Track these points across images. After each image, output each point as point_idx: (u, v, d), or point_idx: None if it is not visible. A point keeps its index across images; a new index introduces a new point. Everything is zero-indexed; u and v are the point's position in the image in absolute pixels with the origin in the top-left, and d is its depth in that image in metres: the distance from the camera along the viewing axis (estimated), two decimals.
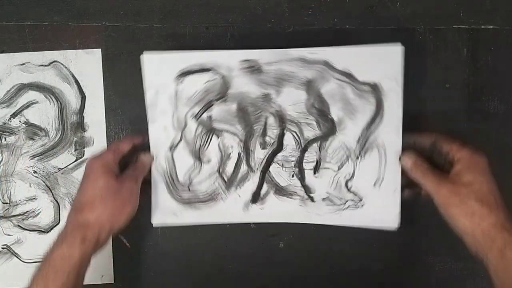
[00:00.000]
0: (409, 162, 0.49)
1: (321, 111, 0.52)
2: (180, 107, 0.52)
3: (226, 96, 0.52)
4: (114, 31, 0.55)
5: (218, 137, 0.52)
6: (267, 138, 0.53)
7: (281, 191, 0.53)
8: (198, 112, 0.52)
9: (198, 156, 0.53)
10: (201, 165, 0.53)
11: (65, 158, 0.56)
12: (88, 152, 0.56)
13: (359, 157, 0.52)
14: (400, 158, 0.50)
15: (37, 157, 0.56)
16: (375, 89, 0.50)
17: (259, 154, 0.53)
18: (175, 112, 0.52)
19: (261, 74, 0.51)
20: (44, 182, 0.56)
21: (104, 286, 0.56)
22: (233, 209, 0.53)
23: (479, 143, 0.55)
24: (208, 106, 0.52)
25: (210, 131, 0.52)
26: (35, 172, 0.56)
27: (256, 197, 0.53)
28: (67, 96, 0.56)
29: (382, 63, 0.50)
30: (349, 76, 0.51)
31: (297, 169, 0.53)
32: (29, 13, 0.55)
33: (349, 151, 0.52)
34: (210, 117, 0.52)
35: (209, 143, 0.53)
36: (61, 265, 0.43)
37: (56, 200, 0.56)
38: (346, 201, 0.52)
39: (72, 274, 0.43)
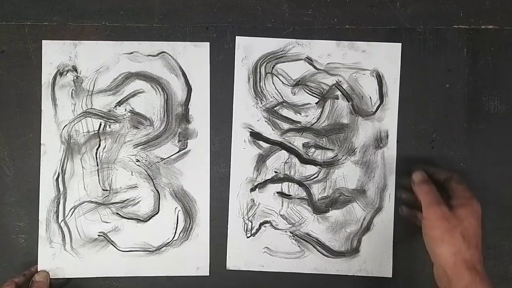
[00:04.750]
0: (420, 176, 0.50)
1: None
2: None
3: None
4: (114, 31, 0.55)
5: None
6: None
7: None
8: None
9: None
10: None
11: (168, 148, 0.55)
12: (192, 144, 0.55)
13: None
14: (412, 170, 0.51)
15: (141, 146, 0.55)
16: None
17: None
18: None
19: None
20: (146, 171, 0.55)
21: (199, 278, 0.55)
22: None
23: (479, 143, 0.56)
24: None
25: None
26: (137, 160, 0.55)
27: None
28: (173, 87, 0.56)
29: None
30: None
31: None
32: (29, 13, 0.55)
33: None
34: None
35: None
36: None
37: (156, 190, 0.55)
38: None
39: None
